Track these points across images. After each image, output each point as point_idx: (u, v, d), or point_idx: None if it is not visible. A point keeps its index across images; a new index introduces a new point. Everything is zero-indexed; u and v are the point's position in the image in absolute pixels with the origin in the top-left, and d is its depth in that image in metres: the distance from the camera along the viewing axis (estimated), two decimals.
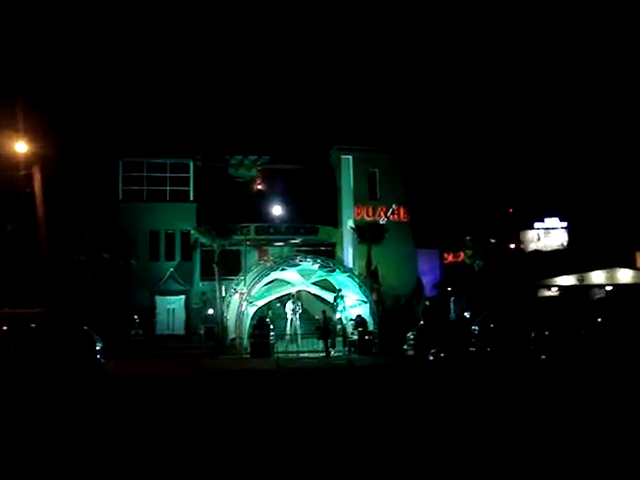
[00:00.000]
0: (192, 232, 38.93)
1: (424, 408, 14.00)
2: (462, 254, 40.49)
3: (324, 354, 29.80)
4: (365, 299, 32.50)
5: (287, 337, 32.64)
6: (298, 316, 33.49)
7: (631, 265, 44.83)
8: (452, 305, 41.69)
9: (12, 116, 29.27)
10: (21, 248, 31.91)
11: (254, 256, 39.75)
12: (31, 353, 17.50)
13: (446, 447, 9.88)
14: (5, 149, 28.53)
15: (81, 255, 35.54)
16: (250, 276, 33.04)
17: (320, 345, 30.71)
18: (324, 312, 32.01)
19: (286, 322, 33.30)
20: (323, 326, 30.95)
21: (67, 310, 21.75)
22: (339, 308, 32.84)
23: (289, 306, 33.78)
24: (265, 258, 38.91)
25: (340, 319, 32.59)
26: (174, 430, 11.68)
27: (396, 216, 41.65)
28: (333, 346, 30.66)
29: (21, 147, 28.18)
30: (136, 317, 33.09)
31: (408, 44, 56.83)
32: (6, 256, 32.26)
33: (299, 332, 32.74)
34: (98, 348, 18.89)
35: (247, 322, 30.92)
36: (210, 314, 36.59)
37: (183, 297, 39.20)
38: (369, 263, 38.42)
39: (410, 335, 25.71)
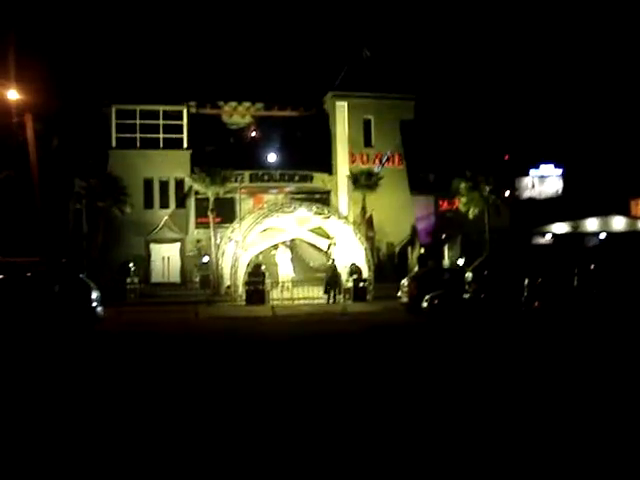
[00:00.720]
0: (186, 179, 38.81)
1: (413, 352, 14.18)
2: (457, 201, 40.44)
3: (318, 301, 29.86)
4: (360, 246, 32.46)
5: (280, 284, 32.71)
6: (290, 262, 33.65)
7: (626, 212, 44.78)
8: (446, 252, 41.84)
9: (3, 63, 28.85)
10: (14, 197, 31.73)
11: (249, 203, 39.73)
12: (27, 302, 17.53)
13: (435, 394, 10.02)
14: None
15: (76, 203, 35.49)
16: (245, 223, 32.96)
17: (316, 292, 30.82)
18: (333, 260, 31.76)
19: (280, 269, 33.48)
20: (330, 275, 30.84)
21: (62, 259, 21.71)
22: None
23: (280, 252, 33.90)
24: (260, 205, 38.85)
25: (336, 266, 32.58)
26: (169, 381, 11.78)
27: (391, 163, 41.55)
28: (332, 294, 30.35)
29: (13, 95, 27.81)
30: (131, 265, 33.18)
31: None
32: None
33: (291, 279, 32.81)
34: (94, 297, 18.92)
35: (242, 269, 30.98)
36: (205, 262, 36.68)
37: (178, 245, 39.29)
38: (364, 210, 38.45)
39: (404, 282, 25.74)
